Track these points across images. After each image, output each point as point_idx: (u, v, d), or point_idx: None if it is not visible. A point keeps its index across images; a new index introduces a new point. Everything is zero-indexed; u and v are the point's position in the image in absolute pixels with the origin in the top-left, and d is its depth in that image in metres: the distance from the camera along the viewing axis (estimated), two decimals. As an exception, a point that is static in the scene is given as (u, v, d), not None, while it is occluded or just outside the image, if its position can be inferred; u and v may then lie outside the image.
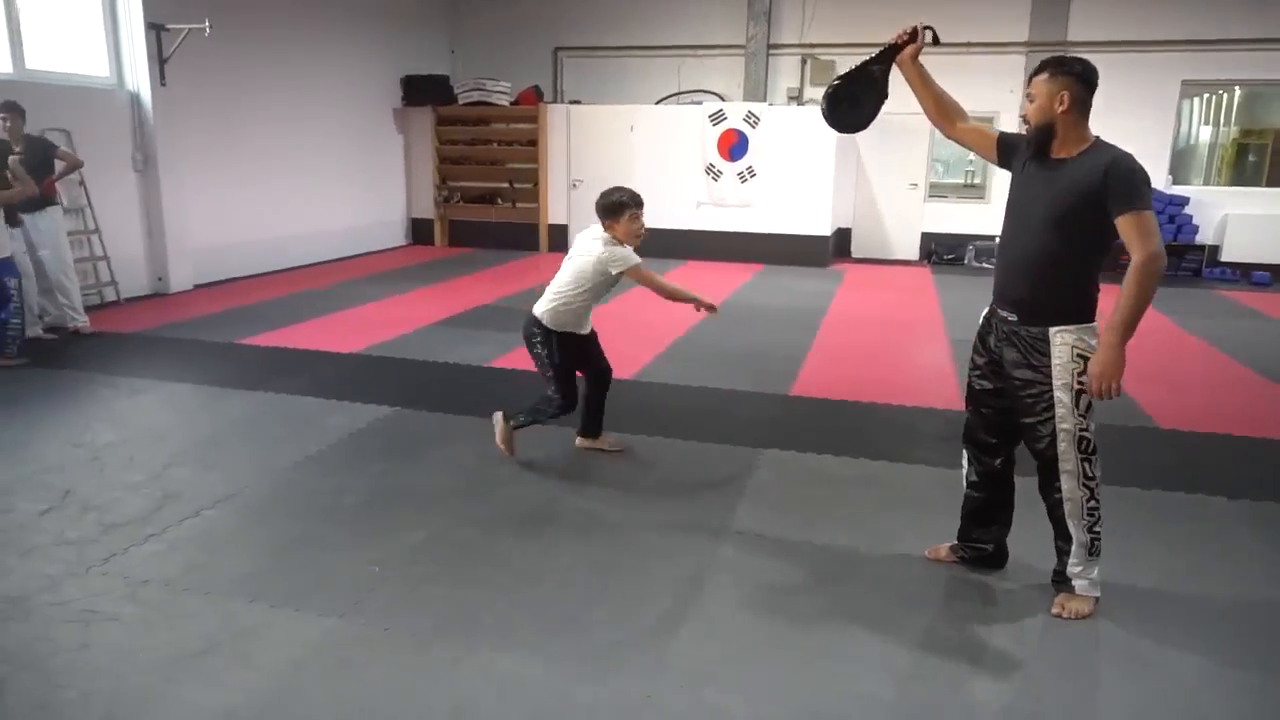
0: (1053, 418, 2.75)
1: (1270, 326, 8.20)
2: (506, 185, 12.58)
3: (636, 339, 6.99)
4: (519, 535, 3.47)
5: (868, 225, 12.49)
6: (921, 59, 3.01)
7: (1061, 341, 2.72)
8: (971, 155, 12.05)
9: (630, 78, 12.85)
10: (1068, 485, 2.79)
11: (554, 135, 12.12)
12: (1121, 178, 2.56)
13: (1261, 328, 8.12)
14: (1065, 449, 2.76)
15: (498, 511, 3.69)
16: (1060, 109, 2.66)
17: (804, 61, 12.15)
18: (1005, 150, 2.96)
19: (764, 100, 12.01)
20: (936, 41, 2.98)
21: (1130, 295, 2.55)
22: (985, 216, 12.04)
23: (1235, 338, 7.44)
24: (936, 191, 12.57)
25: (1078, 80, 2.67)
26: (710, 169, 11.58)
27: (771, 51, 12.18)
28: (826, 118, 3.19)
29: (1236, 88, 11.81)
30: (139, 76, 8.22)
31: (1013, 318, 2.82)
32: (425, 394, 5.39)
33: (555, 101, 12.74)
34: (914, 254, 12.34)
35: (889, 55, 3.03)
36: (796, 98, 12.21)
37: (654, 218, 11.77)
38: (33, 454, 4.23)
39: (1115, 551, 3.11)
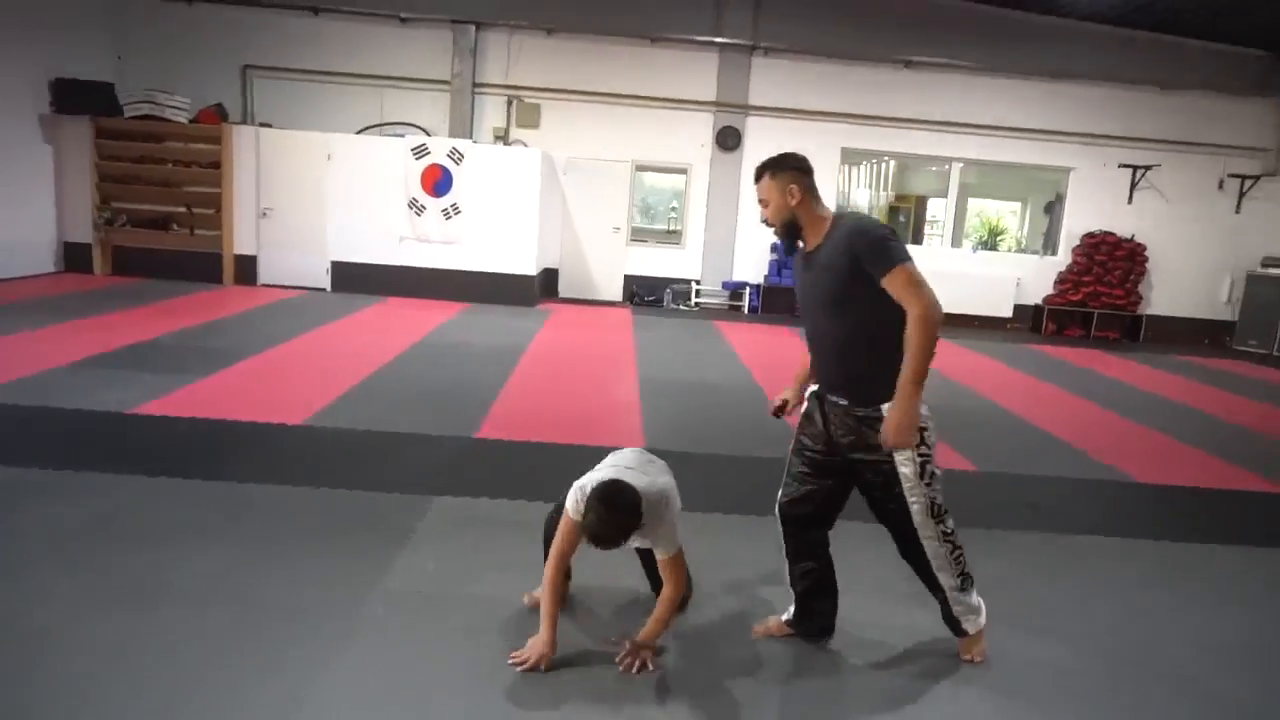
0: (900, 492, 2.74)
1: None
2: (184, 210, 11.35)
3: (320, 377, 6.50)
4: (116, 612, 2.95)
5: (574, 266, 12.77)
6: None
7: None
8: (675, 202, 12.95)
9: (329, 104, 12.19)
10: (930, 547, 2.80)
11: (241, 159, 11.15)
12: (866, 243, 2.63)
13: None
14: (921, 520, 2.76)
15: (93, 584, 3.13)
16: (794, 202, 2.75)
17: (510, 102, 12.24)
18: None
19: (469, 137, 11.91)
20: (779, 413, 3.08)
21: (914, 349, 2.59)
22: (682, 261, 12.83)
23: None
24: (638, 236, 13.17)
25: (797, 171, 2.77)
26: (413, 203, 11.23)
27: (477, 90, 12.15)
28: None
29: (889, 159, 13.61)
30: None
31: (843, 401, 2.79)
32: (31, 446, 4.56)
33: (244, 123, 11.75)
34: (618, 295, 12.78)
35: None
36: (503, 137, 12.26)
37: (351, 251, 11.30)
38: None
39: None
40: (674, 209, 13.71)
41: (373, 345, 8.00)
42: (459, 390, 6.52)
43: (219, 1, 11.83)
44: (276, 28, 12.01)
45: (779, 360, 8.84)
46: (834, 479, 2.92)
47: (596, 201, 12.55)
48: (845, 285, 2.67)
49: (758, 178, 2.82)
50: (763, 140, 12.16)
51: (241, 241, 11.35)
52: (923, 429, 2.69)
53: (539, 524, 3.19)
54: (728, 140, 12.49)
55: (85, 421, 5.07)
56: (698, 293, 12.90)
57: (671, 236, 13.42)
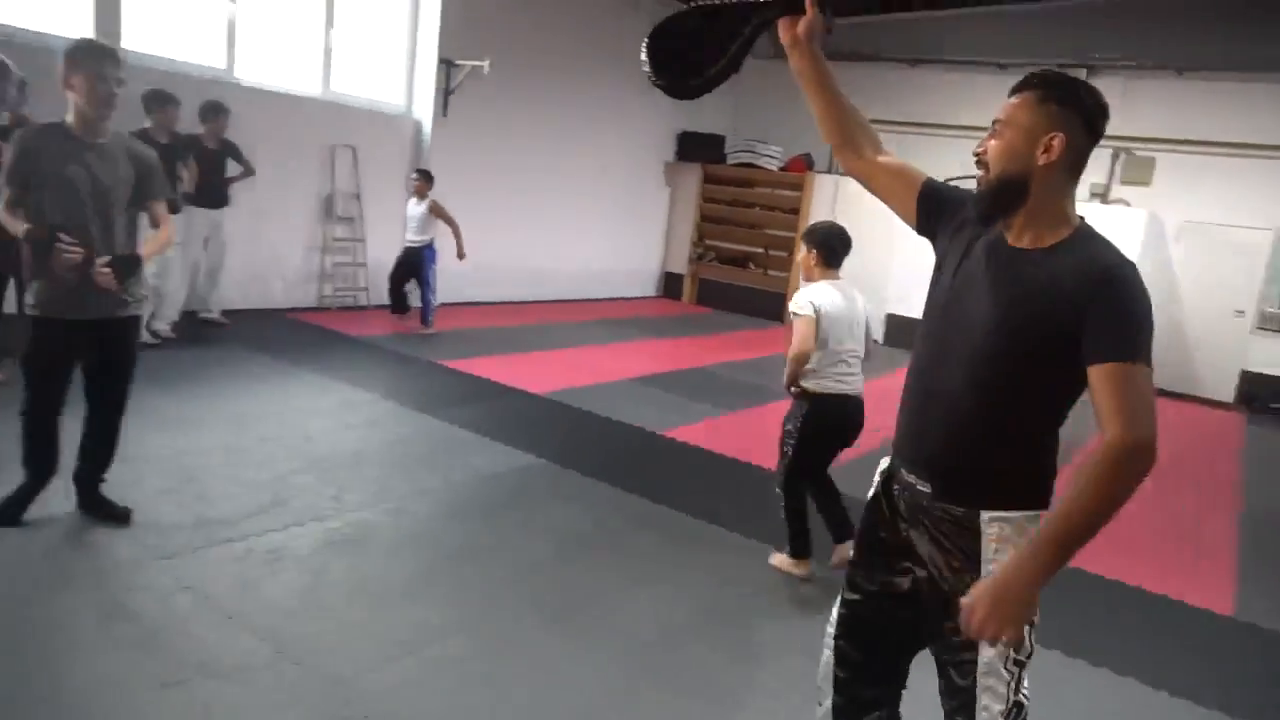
0: (974, 660, 1.66)
1: None
2: (761, 250, 12.22)
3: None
4: (553, 631, 2.97)
5: (1172, 350, 10.54)
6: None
7: (999, 535, 1.64)
8: None
9: (923, 155, 11.88)
10: None
11: (818, 207, 11.57)
12: (1117, 304, 1.54)
13: None
14: (987, 701, 1.65)
15: (571, 589, 3.22)
16: (1045, 157, 1.62)
17: (1116, 155, 10.63)
18: (930, 207, 1.87)
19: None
20: (829, 29, 1.90)
21: (1090, 492, 1.48)
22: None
23: None
24: (1269, 323, 10.36)
25: (1082, 118, 1.63)
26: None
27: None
28: (649, 62, 1.91)
29: None
30: (425, 106, 8.89)
31: (925, 488, 1.74)
32: (576, 450, 5.06)
33: (827, 172, 12.22)
34: (1228, 395, 10.22)
35: (775, 10, 1.85)
36: (1101, 195, 10.71)
37: (907, 306, 10.92)
38: (190, 434, 4.41)
39: None
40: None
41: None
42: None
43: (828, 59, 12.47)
44: (876, 80, 12.21)
45: None
46: (896, 615, 1.83)
47: (1214, 275, 10.20)
48: (1046, 335, 1.58)
49: (1020, 88, 1.68)
50: None
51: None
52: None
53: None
54: None
55: (621, 434, 5.53)
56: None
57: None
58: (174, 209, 6.42)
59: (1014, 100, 1.68)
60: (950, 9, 11.44)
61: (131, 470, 3.69)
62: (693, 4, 1.87)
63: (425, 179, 7.63)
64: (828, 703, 1.91)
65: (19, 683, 2.36)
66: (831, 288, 3.56)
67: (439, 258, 7.73)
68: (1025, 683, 1.66)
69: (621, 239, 12.06)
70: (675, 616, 3.23)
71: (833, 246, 3.59)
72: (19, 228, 2.95)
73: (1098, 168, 10.85)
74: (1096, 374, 1.53)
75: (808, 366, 3.50)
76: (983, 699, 1.65)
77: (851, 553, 1.98)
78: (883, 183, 1.94)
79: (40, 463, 3.21)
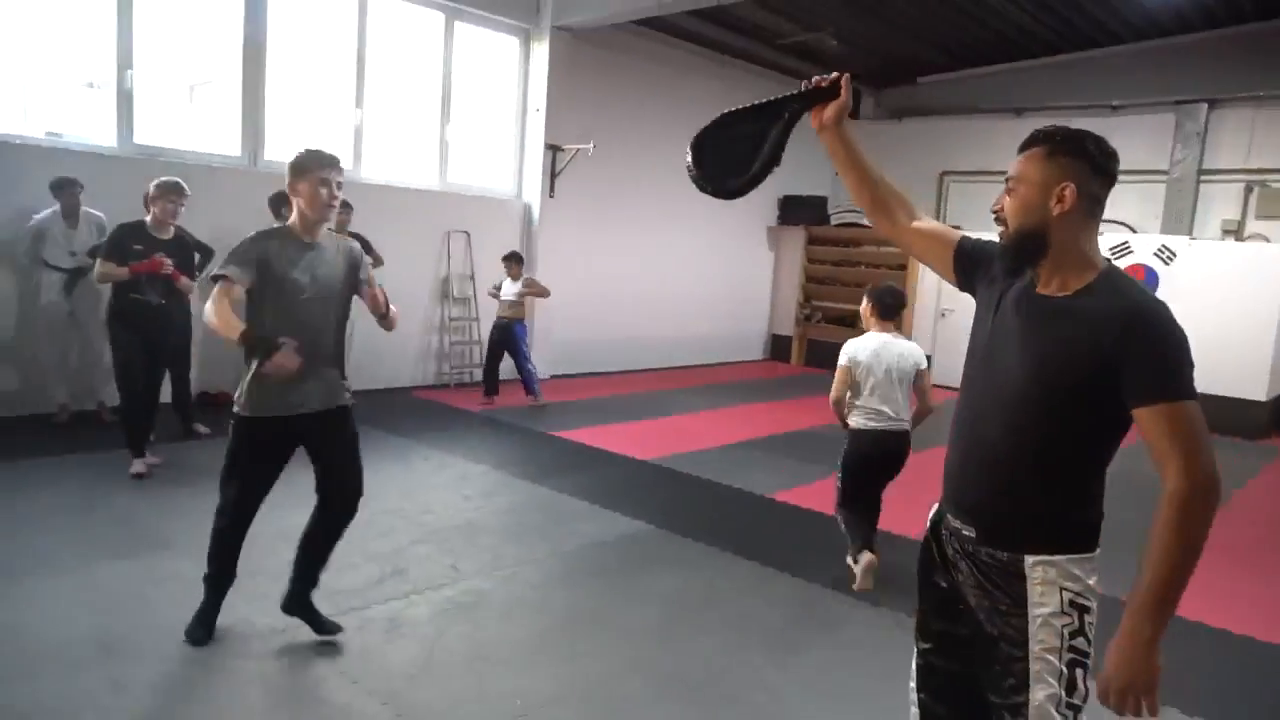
0: (1026, 701, 1.66)
1: None
2: (870, 308, 12.06)
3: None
4: (674, 701, 2.96)
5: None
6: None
7: (1044, 579, 1.66)
8: None
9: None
10: None
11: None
12: (1151, 342, 1.55)
13: None
14: None
15: (685, 659, 3.22)
16: (1059, 208, 1.66)
17: (1249, 190, 10.07)
18: (966, 265, 1.93)
19: (1188, 233, 10.12)
20: (855, 113, 1.91)
21: (1168, 549, 1.50)
22: None
23: None
24: None
25: (1089, 165, 1.67)
26: (1107, 308, 9.95)
27: (1204, 178, 10.31)
28: (693, 168, 2.01)
29: None
30: (533, 190, 9.34)
31: (969, 532, 1.77)
32: (684, 515, 5.07)
33: (934, 226, 12.04)
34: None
35: (804, 101, 2.00)
36: (1235, 231, 10.13)
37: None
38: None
39: None
40: None
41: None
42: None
43: (924, 115, 12.42)
44: (980, 133, 12.06)
45: None
46: (961, 658, 1.84)
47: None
48: (1079, 379, 1.62)
49: (1028, 145, 1.72)
50: None
51: (921, 338, 11.50)
52: (1084, 608, 1.66)
53: None
54: None
55: (730, 498, 5.53)
56: None
57: None
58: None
59: (1023, 157, 1.74)
60: (1056, 55, 11.26)
61: (268, 546, 3.93)
62: (729, 111, 2.01)
63: (516, 261, 7.86)
64: None
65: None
66: (873, 337, 4.13)
67: (529, 333, 7.97)
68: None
69: (728, 304, 12.16)
70: (788, 684, 3.17)
71: (886, 302, 4.18)
72: (235, 327, 2.91)
73: (1228, 204, 10.31)
74: (1144, 416, 1.56)
75: (857, 403, 4.11)
76: None
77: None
78: (919, 247, 2.05)
79: (227, 574, 3.18)
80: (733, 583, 4.10)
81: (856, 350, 4.11)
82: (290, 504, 3.35)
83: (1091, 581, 1.68)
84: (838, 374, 4.13)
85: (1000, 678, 1.71)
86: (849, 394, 4.12)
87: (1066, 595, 1.65)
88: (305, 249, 3.08)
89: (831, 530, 4.93)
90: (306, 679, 2.95)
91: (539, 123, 9.21)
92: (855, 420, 4.13)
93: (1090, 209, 1.69)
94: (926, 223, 2.05)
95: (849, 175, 2.07)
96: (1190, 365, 1.56)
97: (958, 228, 2.07)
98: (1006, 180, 1.76)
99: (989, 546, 1.74)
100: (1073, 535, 1.69)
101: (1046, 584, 1.66)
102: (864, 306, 4.25)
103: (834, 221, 12.18)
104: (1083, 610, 1.66)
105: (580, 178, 9.46)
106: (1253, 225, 10.05)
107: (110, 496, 4.64)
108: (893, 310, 4.19)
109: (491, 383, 8.00)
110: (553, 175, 9.27)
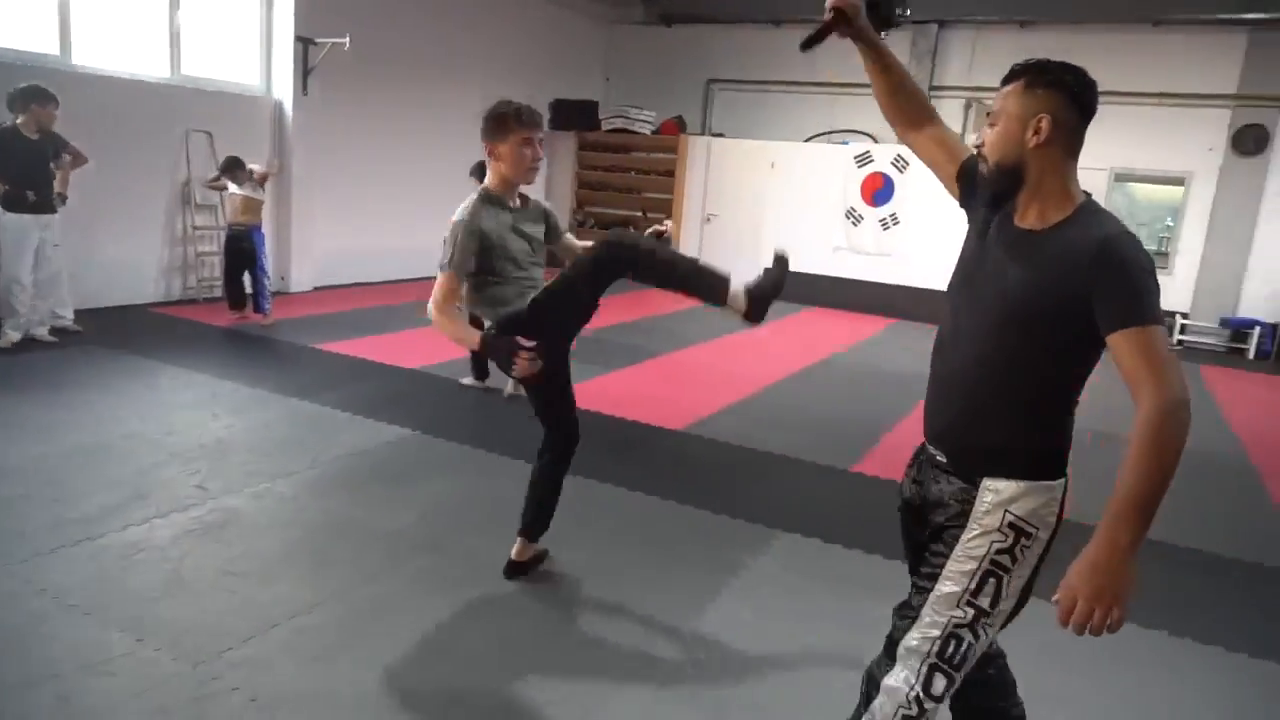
0: (929, 589, 1.81)
1: None
2: (639, 214, 12.39)
3: (719, 383, 6.52)
4: (430, 600, 3.10)
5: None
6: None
7: (994, 501, 1.76)
8: (1169, 219, 10.77)
9: (781, 114, 12.34)
10: (879, 700, 1.83)
11: (692, 168, 11.81)
12: (1116, 275, 1.61)
13: None
14: (917, 642, 1.80)
15: (438, 569, 3.34)
16: (1035, 139, 1.71)
17: (968, 105, 11.21)
18: (968, 184, 1.96)
19: (919, 144, 11.15)
20: (890, 23, 2.05)
21: (1143, 465, 1.55)
22: (1167, 290, 10.58)
23: None
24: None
25: (1067, 97, 1.71)
26: (851, 213, 10.88)
27: (934, 93, 11.33)
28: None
29: None
30: (284, 86, 8.65)
31: (941, 458, 1.88)
32: (449, 421, 5.14)
33: (700, 133, 12.44)
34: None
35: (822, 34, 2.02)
36: (957, 144, 11.27)
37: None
38: (47, 439, 4.30)
39: None
40: (1168, 226, 11.41)
41: (783, 355, 7.87)
42: (851, 416, 6.03)
43: (693, 22, 12.64)
44: (741, 43, 12.47)
45: (1286, 427, 6.77)
46: None
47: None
48: (1050, 313, 1.68)
49: (1008, 79, 1.78)
50: (1303, 142, 9.51)
51: (686, 245, 12.01)
52: (1021, 530, 1.74)
53: (891, 586, 2.66)
54: (1248, 142, 10.01)
55: (496, 401, 5.64)
56: (1183, 329, 10.59)
57: (1158, 260, 11.17)
58: (50, 209, 6.10)
59: (1003, 91, 1.77)
60: None
61: (-22, 477, 3.60)
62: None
63: (238, 167, 7.20)
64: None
65: None
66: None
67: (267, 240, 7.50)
68: (985, 633, 1.78)
69: (502, 211, 12.00)
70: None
71: None
72: (470, 339, 2.91)
73: (952, 118, 11.37)
74: (1117, 341, 1.60)
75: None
76: (926, 617, 1.79)
77: None
78: (927, 155, 2.06)
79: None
80: (494, 481, 4.22)
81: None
82: None
83: (1044, 510, 1.74)
84: None
85: (925, 564, 1.84)
86: None
87: (1008, 517, 1.73)
88: (512, 213, 3.00)
89: (614, 427, 5.18)
90: (30, 615, 2.77)
91: (287, 10, 8.47)
92: None
93: (1068, 141, 1.72)
94: (939, 131, 2.06)
95: (880, 75, 2.03)
96: (1157, 291, 1.62)
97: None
98: (987, 115, 1.79)
99: (955, 475, 1.82)
100: (1033, 463, 1.75)
101: (995, 506, 1.74)
102: None
103: (605, 128, 12.25)
104: (1020, 533, 1.73)
105: (338, 74, 8.86)
106: (970, 138, 11.22)
107: None
108: None
109: (237, 295, 7.40)
110: (305, 71, 8.61)
